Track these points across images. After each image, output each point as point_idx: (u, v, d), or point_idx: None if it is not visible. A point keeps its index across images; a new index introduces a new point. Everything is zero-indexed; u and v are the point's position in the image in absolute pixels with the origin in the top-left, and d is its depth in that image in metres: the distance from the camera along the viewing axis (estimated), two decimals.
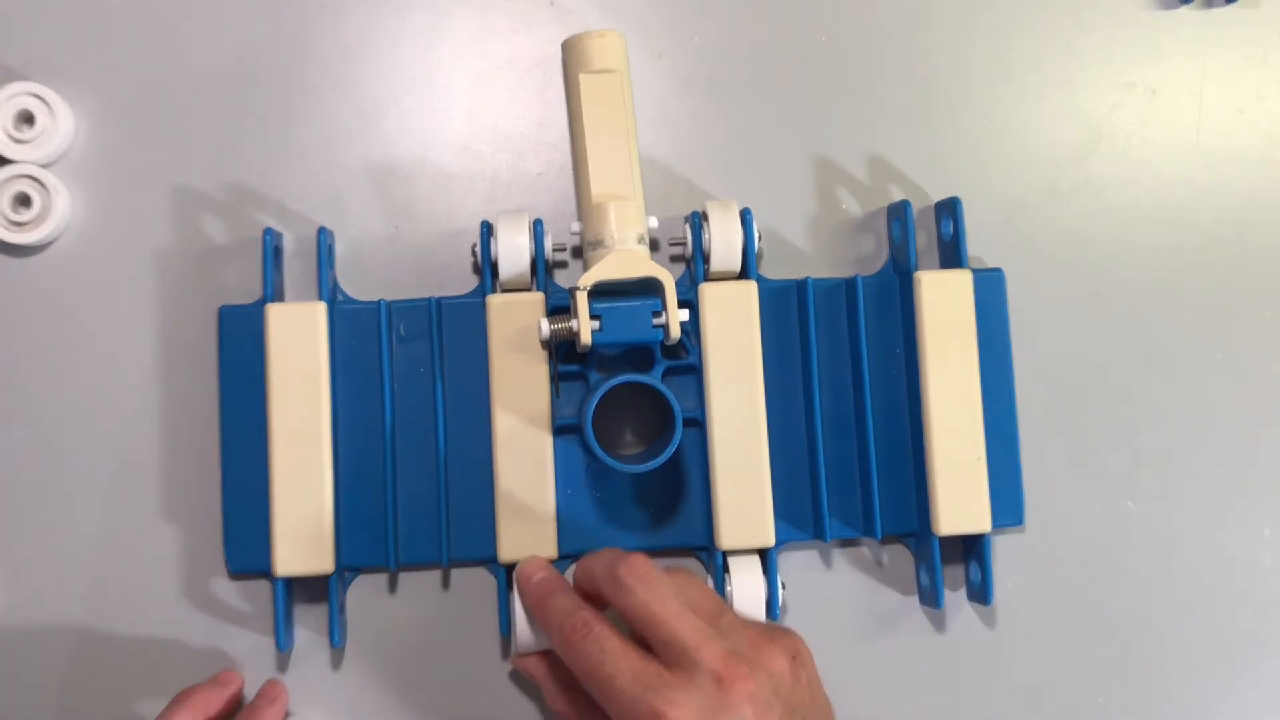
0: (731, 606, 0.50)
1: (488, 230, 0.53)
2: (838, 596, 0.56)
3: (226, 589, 0.54)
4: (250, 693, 0.54)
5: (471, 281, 0.56)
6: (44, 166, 0.55)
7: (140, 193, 0.55)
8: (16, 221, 0.54)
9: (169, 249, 0.55)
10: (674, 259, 0.56)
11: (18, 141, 0.54)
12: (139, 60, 0.56)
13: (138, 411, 0.55)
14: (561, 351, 0.53)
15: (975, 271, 0.54)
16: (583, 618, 0.45)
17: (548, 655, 0.51)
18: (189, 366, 0.55)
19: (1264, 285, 0.57)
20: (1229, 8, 0.57)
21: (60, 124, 0.54)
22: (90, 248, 0.55)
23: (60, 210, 0.54)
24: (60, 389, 0.55)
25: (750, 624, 0.47)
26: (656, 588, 0.45)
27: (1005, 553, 0.56)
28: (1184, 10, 0.57)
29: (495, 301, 0.53)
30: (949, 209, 0.54)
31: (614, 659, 0.44)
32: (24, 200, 0.54)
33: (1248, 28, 0.57)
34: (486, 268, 0.54)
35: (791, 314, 0.55)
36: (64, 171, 0.55)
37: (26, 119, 0.54)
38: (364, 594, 0.55)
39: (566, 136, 0.56)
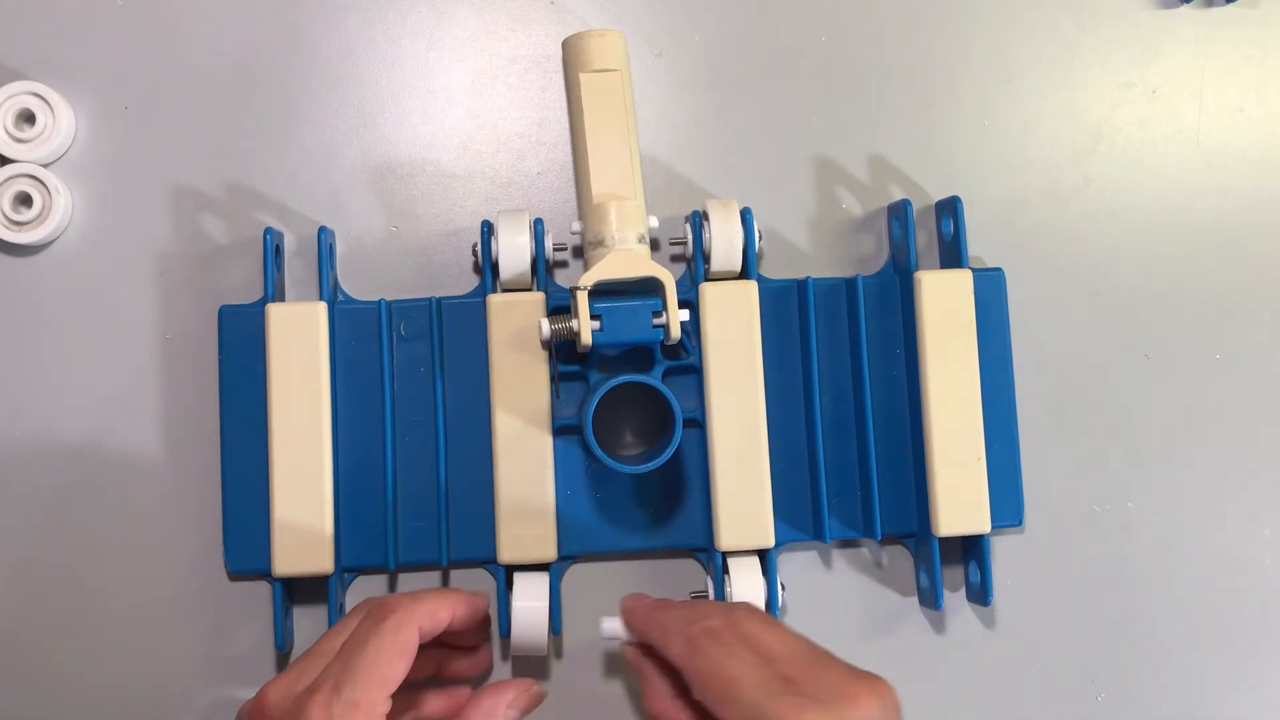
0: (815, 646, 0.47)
1: (488, 230, 0.53)
2: (837, 598, 0.56)
3: (226, 589, 0.54)
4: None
5: (471, 281, 0.56)
6: (44, 166, 0.55)
7: (140, 193, 0.55)
8: (16, 221, 0.54)
9: (169, 249, 0.55)
10: (674, 259, 0.56)
11: (18, 141, 0.54)
12: (139, 60, 0.56)
13: (138, 412, 0.55)
14: (562, 351, 0.53)
15: (975, 271, 0.54)
16: (712, 626, 0.45)
17: (653, 654, 0.49)
18: (189, 366, 0.55)
19: (1264, 285, 0.57)
20: (1229, 8, 0.57)
21: (60, 124, 0.54)
22: (90, 248, 0.55)
23: (60, 210, 0.54)
24: (61, 389, 0.55)
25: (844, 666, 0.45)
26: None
27: (1005, 553, 0.56)
28: (1184, 10, 0.57)
29: (495, 301, 0.53)
30: (949, 209, 0.54)
31: (741, 662, 0.43)
32: (24, 200, 0.54)
33: (1248, 28, 0.57)
34: (487, 267, 0.54)
35: (792, 314, 0.55)
36: (64, 171, 0.55)
37: (27, 118, 0.54)
38: (364, 595, 0.55)
39: (566, 136, 0.56)
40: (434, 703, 0.51)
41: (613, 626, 0.50)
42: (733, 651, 0.43)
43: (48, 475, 0.54)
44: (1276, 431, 0.57)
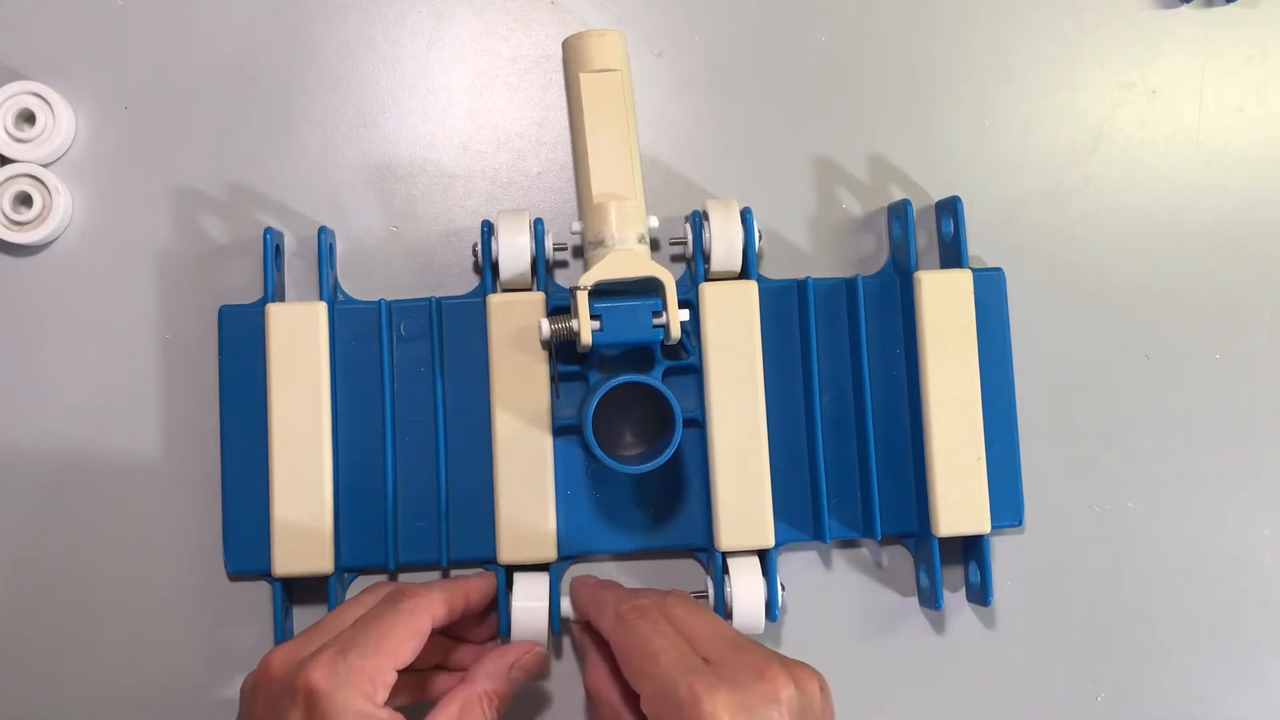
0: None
1: (488, 229, 0.53)
2: (837, 598, 0.56)
3: (226, 589, 0.54)
4: None
5: (471, 281, 0.56)
6: (44, 166, 0.55)
7: (140, 193, 0.55)
8: (16, 221, 0.54)
9: (169, 249, 0.55)
10: (674, 259, 0.56)
11: (18, 141, 0.54)
12: (139, 60, 0.56)
13: (137, 412, 0.55)
14: (562, 351, 0.53)
15: (975, 271, 0.54)
16: (642, 604, 0.46)
17: (596, 632, 0.50)
18: (189, 366, 0.55)
19: (1264, 285, 0.57)
20: (1229, 8, 0.57)
21: (60, 123, 0.54)
22: (90, 248, 0.55)
23: (60, 210, 0.54)
24: (60, 389, 0.55)
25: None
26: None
27: (1005, 553, 0.56)
28: (1184, 10, 0.57)
29: (495, 301, 0.53)
30: (949, 209, 0.54)
31: (664, 638, 0.44)
32: (24, 200, 0.54)
33: (1248, 28, 0.57)
34: (487, 267, 0.54)
35: (792, 314, 0.55)
36: (64, 171, 0.55)
37: (27, 118, 0.54)
38: None
39: (566, 136, 0.56)
40: (441, 684, 0.52)
41: (563, 604, 0.52)
42: (658, 629, 0.45)
43: (48, 475, 0.54)
44: (1276, 431, 0.57)
